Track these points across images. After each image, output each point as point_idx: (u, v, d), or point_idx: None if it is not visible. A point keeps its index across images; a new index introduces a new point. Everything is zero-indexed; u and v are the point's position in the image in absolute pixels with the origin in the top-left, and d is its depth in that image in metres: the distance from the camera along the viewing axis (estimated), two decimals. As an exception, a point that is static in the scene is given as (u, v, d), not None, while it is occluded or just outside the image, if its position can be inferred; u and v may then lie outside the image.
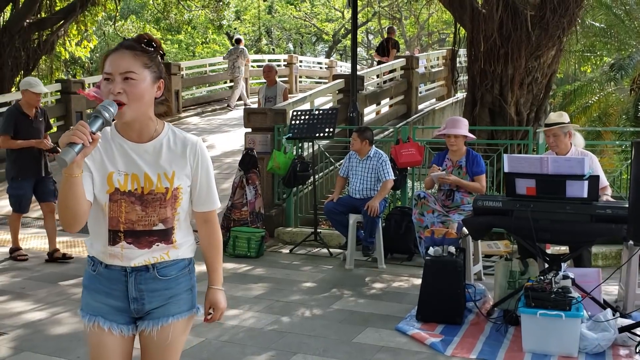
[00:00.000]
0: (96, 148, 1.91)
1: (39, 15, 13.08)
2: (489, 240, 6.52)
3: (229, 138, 12.16)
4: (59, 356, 3.88)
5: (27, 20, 12.41)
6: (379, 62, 13.36)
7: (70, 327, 4.43)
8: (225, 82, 17.61)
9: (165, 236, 2.07)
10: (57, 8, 13.64)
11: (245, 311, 4.79)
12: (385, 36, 14.82)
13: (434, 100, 13.88)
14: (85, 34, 16.61)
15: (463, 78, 13.28)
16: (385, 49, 13.56)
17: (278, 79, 10.24)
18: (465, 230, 5.14)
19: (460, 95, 14.04)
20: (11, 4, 12.83)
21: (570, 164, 4.22)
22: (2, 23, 12.76)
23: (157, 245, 2.06)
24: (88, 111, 11.64)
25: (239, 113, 15.11)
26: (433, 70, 14.04)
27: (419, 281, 5.57)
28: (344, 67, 23.96)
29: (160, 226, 2.05)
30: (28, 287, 5.39)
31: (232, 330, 4.35)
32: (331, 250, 6.76)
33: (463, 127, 5.63)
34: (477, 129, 7.61)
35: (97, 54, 24.27)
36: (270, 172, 7.48)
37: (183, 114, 14.47)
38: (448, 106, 13.58)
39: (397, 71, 12.06)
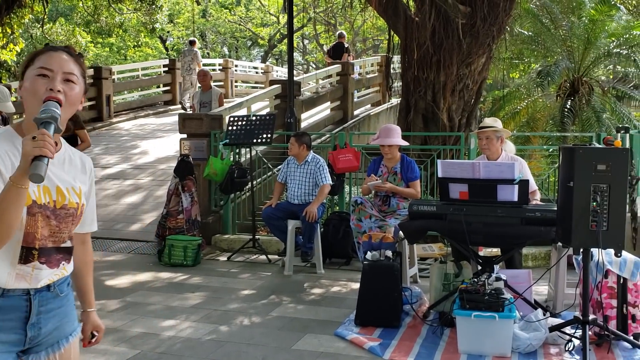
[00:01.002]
0: (5, 153, 1.79)
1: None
2: (423, 243, 6.65)
3: (163, 144, 11.92)
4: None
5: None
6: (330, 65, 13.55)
7: None
8: (159, 87, 17.27)
9: (69, 254, 1.96)
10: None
11: (182, 321, 4.70)
12: (336, 41, 15.38)
13: (369, 105, 14.06)
14: (12, 37, 15.92)
15: (397, 84, 13.53)
16: (337, 53, 13.97)
17: (213, 84, 10.14)
18: (401, 234, 5.22)
19: (395, 101, 14.29)
20: None
21: (501, 169, 4.36)
22: None
23: (62, 263, 1.94)
24: (15, 117, 11.13)
25: (172, 118, 14.85)
26: (368, 76, 14.22)
27: (357, 285, 5.61)
28: (280, 72, 23.98)
29: (68, 243, 1.94)
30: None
31: (168, 342, 4.25)
32: (270, 256, 6.73)
33: (396, 136, 5.73)
34: (411, 134, 7.76)
35: (24, 58, 23.33)
36: (207, 178, 7.37)
37: (115, 119, 14.09)
38: (383, 112, 13.79)
39: (333, 77, 12.15)
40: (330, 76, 12.27)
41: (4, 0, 12.36)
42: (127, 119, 14.54)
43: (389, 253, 4.79)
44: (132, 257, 6.87)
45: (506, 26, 8.04)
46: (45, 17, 18.20)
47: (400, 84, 9.18)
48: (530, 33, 13.73)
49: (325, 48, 34.42)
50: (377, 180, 5.68)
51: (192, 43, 16.24)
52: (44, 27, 19.14)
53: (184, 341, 4.27)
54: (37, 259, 1.85)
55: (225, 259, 6.82)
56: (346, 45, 14.47)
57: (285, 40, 32.67)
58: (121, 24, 19.53)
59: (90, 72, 13.97)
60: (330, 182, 6.35)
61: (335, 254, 6.56)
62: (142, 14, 18.56)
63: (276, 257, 6.76)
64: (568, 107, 12.75)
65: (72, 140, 6.48)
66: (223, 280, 5.92)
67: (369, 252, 4.83)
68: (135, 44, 27.85)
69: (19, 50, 18.33)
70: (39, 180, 1.61)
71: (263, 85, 20.82)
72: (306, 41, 35.88)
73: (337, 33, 15.51)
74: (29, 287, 1.85)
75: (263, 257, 6.78)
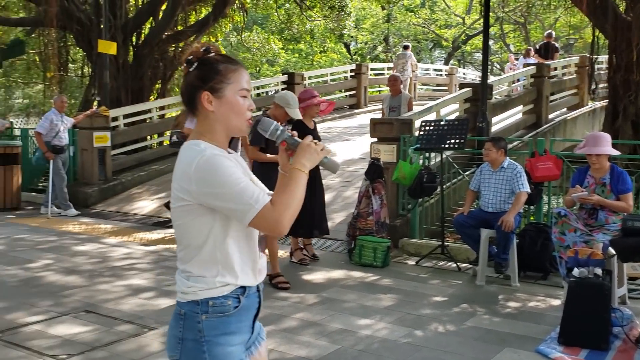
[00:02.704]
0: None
1: (175, 29, 13.88)
2: (632, 262, 6.09)
3: (350, 146, 12.27)
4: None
5: (166, 33, 13.21)
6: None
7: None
8: (341, 92, 17.77)
9: None
10: (192, 21, 14.43)
11: (377, 321, 4.80)
12: (544, 40, 15.83)
13: (564, 109, 13.22)
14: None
15: (600, 87, 12.58)
16: (547, 52, 14.51)
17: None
18: (611, 251, 4.85)
19: (594, 104, 13.31)
20: (151, 18, 13.72)
21: None
22: (142, 36, 13.67)
23: None
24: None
25: (358, 121, 15.23)
26: (565, 78, 13.38)
27: (556, 302, 5.38)
28: (465, 74, 23.51)
29: None
30: (172, 284, 5.73)
31: (366, 340, 4.37)
32: (459, 264, 6.61)
33: (606, 145, 5.31)
34: (619, 142, 7.15)
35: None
36: (396, 182, 7.44)
37: (305, 122, 14.77)
38: (580, 116, 12.88)
39: (527, 79, 11.63)
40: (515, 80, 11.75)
41: (212, 11, 13.56)
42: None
43: (598, 271, 4.47)
44: (325, 254, 7.16)
45: None
46: (244, 26, 19.62)
47: (605, 86, 8.52)
48: None
49: (512, 48, 33.16)
50: (583, 191, 5.32)
51: (405, 47, 17.39)
52: (242, 35, 20.67)
53: (381, 341, 4.35)
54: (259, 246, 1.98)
55: (414, 263, 6.83)
56: (556, 45, 14.44)
57: (470, 42, 32.03)
58: (311, 31, 20.42)
59: (284, 77, 14.83)
60: (528, 190, 6.08)
61: (531, 267, 6.25)
62: (330, 20, 19.29)
63: (466, 265, 6.63)
64: None
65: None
66: (413, 285, 5.94)
67: (575, 269, 4.54)
68: (322, 49, 29.00)
69: (220, 58, 20.01)
70: (337, 168, 2.01)
71: (446, 88, 20.55)
72: (491, 41, 34.74)
73: (546, 33, 15.54)
74: (257, 282, 1.96)
75: (452, 264, 6.69)
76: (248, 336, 1.94)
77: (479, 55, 39.15)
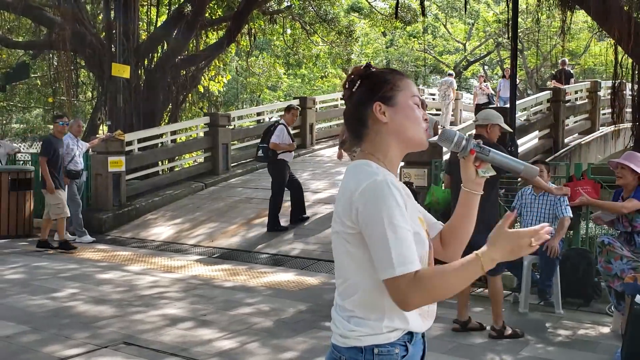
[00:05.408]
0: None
1: (186, 53, 13.83)
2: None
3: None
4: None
5: (179, 57, 13.14)
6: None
7: (263, 358, 4.46)
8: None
9: None
10: (202, 47, 14.38)
11: (431, 352, 4.61)
12: (560, 68, 16.36)
13: (576, 134, 13.22)
14: (221, 69, 17.40)
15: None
16: (562, 78, 15.08)
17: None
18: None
19: (605, 129, 13.33)
20: (165, 42, 13.66)
21: None
22: (154, 60, 13.60)
23: None
24: (235, 142, 12.05)
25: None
26: (577, 102, 13.41)
27: (606, 329, 5.25)
28: (466, 99, 23.67)
29: None
30: (208, 314, 5.54)
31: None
32: (498, 291, 6.46)
33: (634, 162, 5.20)
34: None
35: (225, 88, 25.36)
36: (428, 206, 7.30)
37: (316, 146, 14.71)
38: (593, 141, 12.89)
39: (543, 104, 11.62)
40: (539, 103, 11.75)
41: (225, 35, 13.52)
42: (327, 146, 15.10)
43: (663, 298, 4.33)
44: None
45: None
46: (249, 50, 19.62)
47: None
48: None
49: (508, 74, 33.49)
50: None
51: (449, 75, 18.76)
52: (248, 60, 20.68)
53: (442, 374, 4.19)
54: None
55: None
56: (570, 71, 14.99)
57: (470, 67, 32.26)
58: (317, 56, 20.47)
59: (296, 102, 14.78)
60: (571, 215, 5.97)
61: (573, 294, 6.11)
62: (336, 46, 19.33)
63: (504, 292, 6.47)
64: None
65: None
66: (456, 313, 5.77)
67: (638, 296, 4.40)
68: (323, 74, 29.07)
69: (225, 82, 20.00)
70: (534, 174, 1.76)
71: (452, 113, 20.59)
72: (486, 67, 35.06)
73: (560, 60, 16.10)
74: (425, 328, 1.74)
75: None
76: None
77: (473, 81, 39.50)
